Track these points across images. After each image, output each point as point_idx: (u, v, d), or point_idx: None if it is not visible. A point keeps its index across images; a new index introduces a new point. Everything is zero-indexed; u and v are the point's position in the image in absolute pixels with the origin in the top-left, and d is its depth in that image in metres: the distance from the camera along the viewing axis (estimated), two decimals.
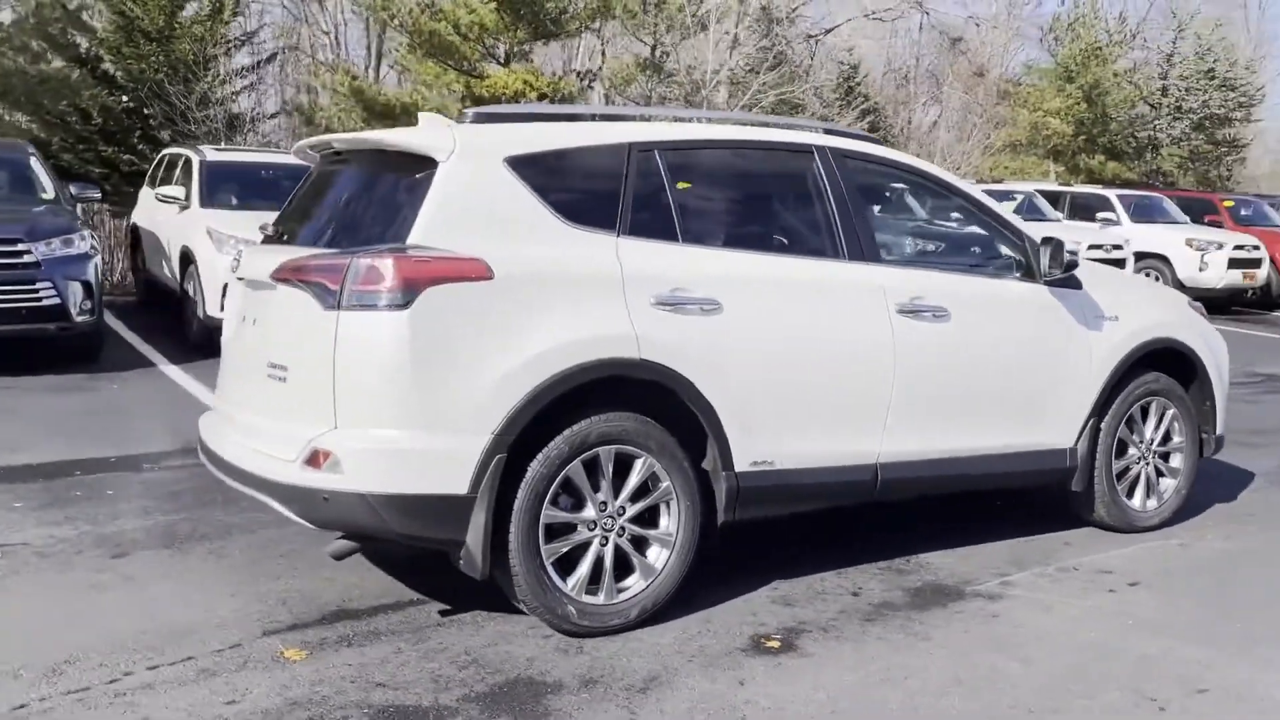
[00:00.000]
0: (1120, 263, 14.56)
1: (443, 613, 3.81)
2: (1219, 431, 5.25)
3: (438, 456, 3.33)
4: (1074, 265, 4.60)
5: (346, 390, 3.32)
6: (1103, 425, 4.78)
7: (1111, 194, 17.31)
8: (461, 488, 3.34)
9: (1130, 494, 5.01)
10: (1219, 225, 16.86)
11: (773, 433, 3.84)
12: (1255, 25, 35.91)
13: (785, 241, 4.15)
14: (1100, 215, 16.37)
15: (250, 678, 3.26)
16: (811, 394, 3.95)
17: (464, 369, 3.34)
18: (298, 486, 3.39)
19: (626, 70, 21.78)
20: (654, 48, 24.19)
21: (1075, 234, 13.71)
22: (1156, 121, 28.61)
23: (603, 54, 21.57)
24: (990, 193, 13.22)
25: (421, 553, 3.99)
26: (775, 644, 3.62)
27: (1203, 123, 28.86)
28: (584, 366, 3.46)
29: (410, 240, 3.37)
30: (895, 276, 4.21)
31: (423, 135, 3.63)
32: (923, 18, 33.91)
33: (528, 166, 3.58)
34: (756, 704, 3.18)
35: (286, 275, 3.55)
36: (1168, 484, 5.11)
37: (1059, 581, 4.37)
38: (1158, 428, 5.03)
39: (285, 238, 3.97)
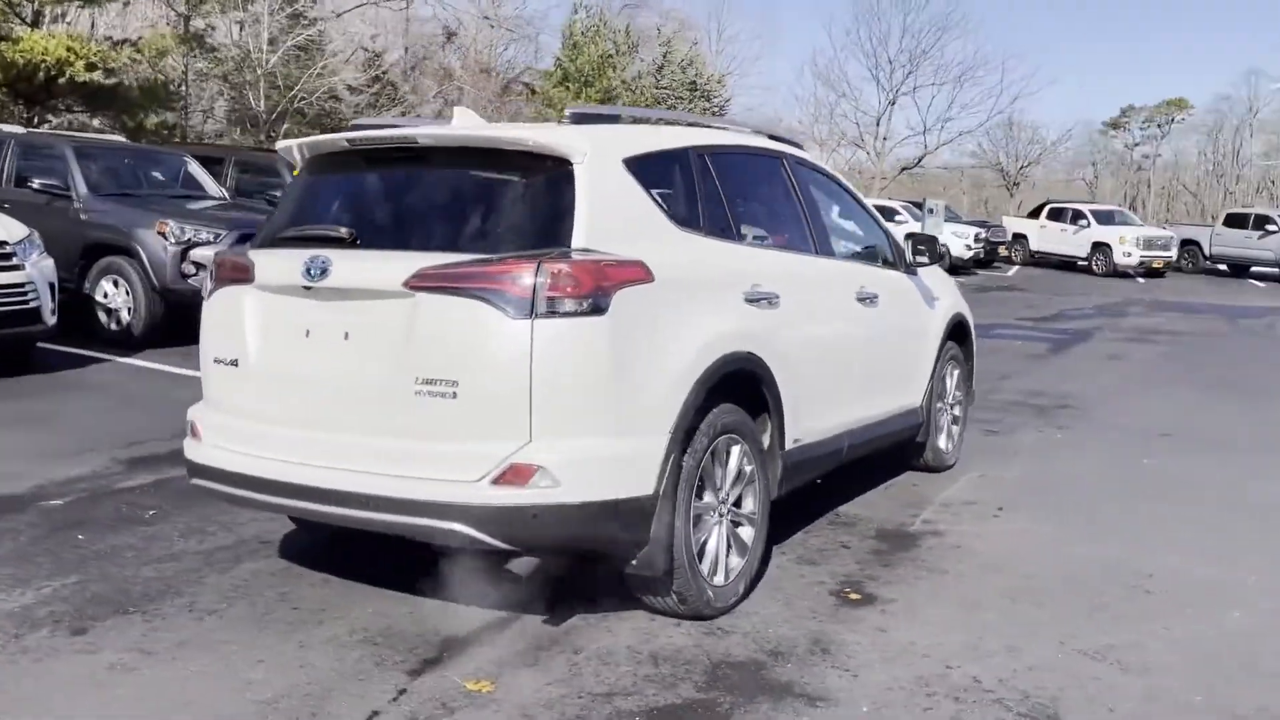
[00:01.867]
0: None
1: (548, 621, 3.76)
2: (972, 386, 6.58)
3: (634, 459, 3.37)
4: (942, 256, 5.56)
5: (545, 400, 3.21)
6: (934, 384, 5.81)
7: None
8: (650, 488, 3.40)
9: (947, 439, 6.13)
10: None
11: (805, 413, 4.30)
12: (719, 49, 41.50)
13: (787, 238, 4.59)
14: None
15: (472, 717, 3.07)
16: (825, 375, 4.47)
17: (644, 371, 3.40)
18: (491, 506, 3.21)
19: (163, 41, 20.06)
20: (187, 19, 22.37)
21: None
22: None
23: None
24: None
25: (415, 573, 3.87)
26: (855, 596, 4.09)
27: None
28: (722, 361, 3.67)
29: (575, 244, 3.33)
30: (846, 269, 4.87)
31: (556, 135, 3.53)
32: (431, 8, 34.65)
33: (639, 168, 3.67)
34: (915, 642, 3.65)
35: (439, 283, 3.29)
36: (957, 429, 6.31)
37: (959, 514, 5.30)
38: (955, 385, 6.19)
39: (356, 241, 3.59)
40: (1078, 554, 4.71)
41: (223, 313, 3.78)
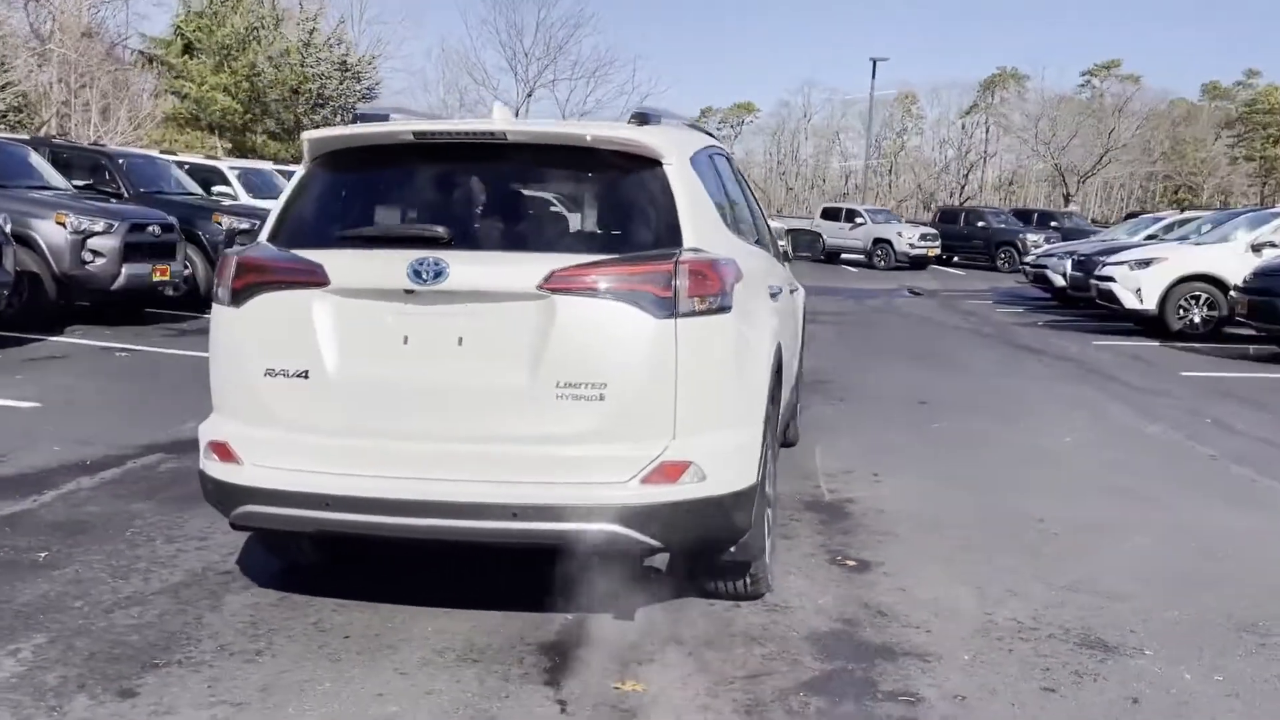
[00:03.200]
0: None
1: (619, 617, 3.80)
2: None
3: (750, 448, 3.51)
4: (823, 251, 6.07)
5: (687, 397, 3.26)
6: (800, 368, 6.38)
7: (224, 166, 16.96)
8: (756, 475, 3.56)
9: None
10: None
11: (787, 392, 4.63)
12: (362, 29, 39.53)
13: (756, 234, 4.86)
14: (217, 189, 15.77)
15: (661, 715, 3.11)
16: (791, 363, 4.82)
17: (750, 365, 3.56)
18: (645, 505, 3.22)
19: None
20: None
21: None
22: (300, 107, 30.56)
23: None
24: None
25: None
26: (851, 563, 4.49)
27: (339, 110, 31.79)
28: (777, 352, 3.89)
29: (687, 244, 3.40)
30: (778, 263, 5.27)
31: (649, 135, 3.51)
32: None
33: (698, 168, 3.79)
34: (938, 598, 4.11)
35: (578, 285, 3.21)
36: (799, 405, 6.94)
37: (849, 483, 5.86)
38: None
39: (449, 241, 3.37)
40: (972, 506, 5.42)
41: (276, 320, 3.41)
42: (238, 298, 3.46)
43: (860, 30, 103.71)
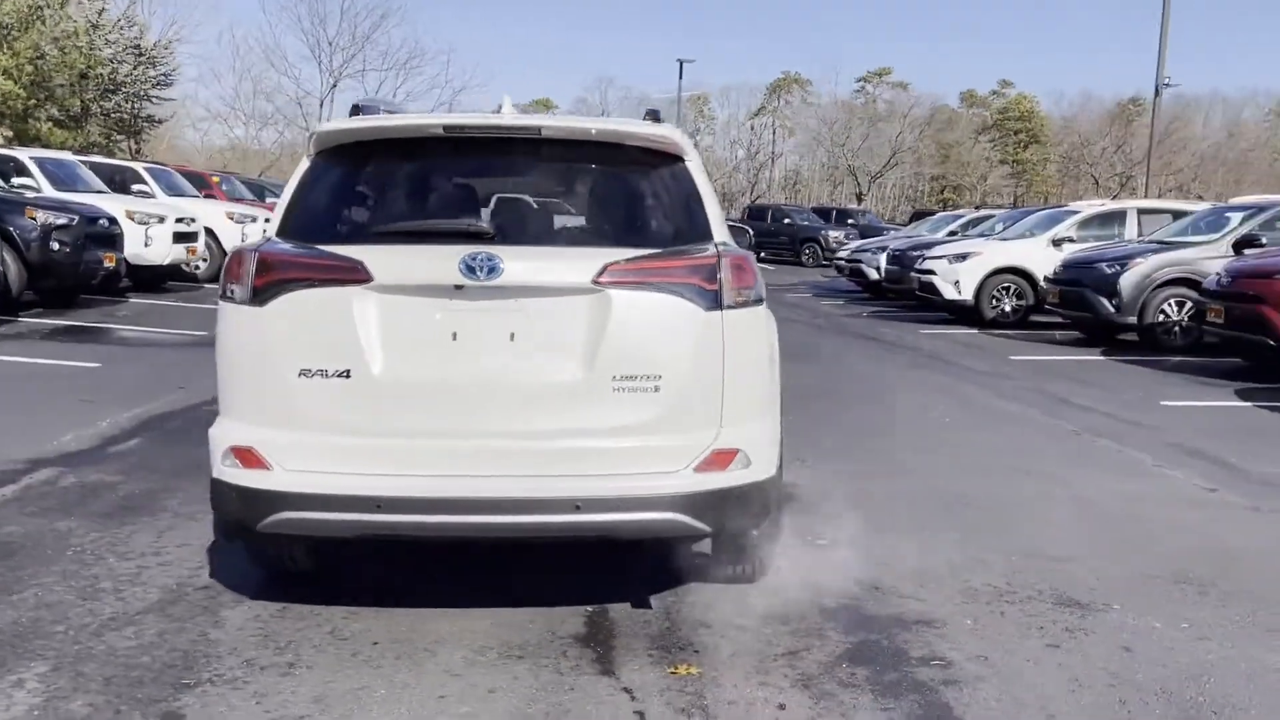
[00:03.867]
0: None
1: (638, 605, 3.88)
2: None
3: (776, 435, 3.65)
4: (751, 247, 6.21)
5: (732, 387, 3.38)
6: None
7: (25, 156, 15.24)
8: (779, 463, 3.71)
9: None
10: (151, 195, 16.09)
11: None
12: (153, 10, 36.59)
13: None
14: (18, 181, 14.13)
15: (731, 695, 3.21)
16: None
17: (774, 355, 3.70)
18: (700, 492, 3.31)
19: None
20: None
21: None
22: (88, 93, 28.33)
23: None
24: None
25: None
26: (824, 542, 4.71)
27: (132, 97, 29.71)
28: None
29: (717, 239, 3.52)
30: None
31: (671, 131, 3.59)
32: None
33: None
34: (924, 569, 4.38)
35: (631, 279, 3.26)
36: None
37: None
38: None
39: (493, 236, 3.34)
40: (899, 487, 5.77)
41: (311, 319, 3.28)
42: (261, 296, 3.32)
43: (656, 30, 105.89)
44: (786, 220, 33.01)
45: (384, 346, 3.27)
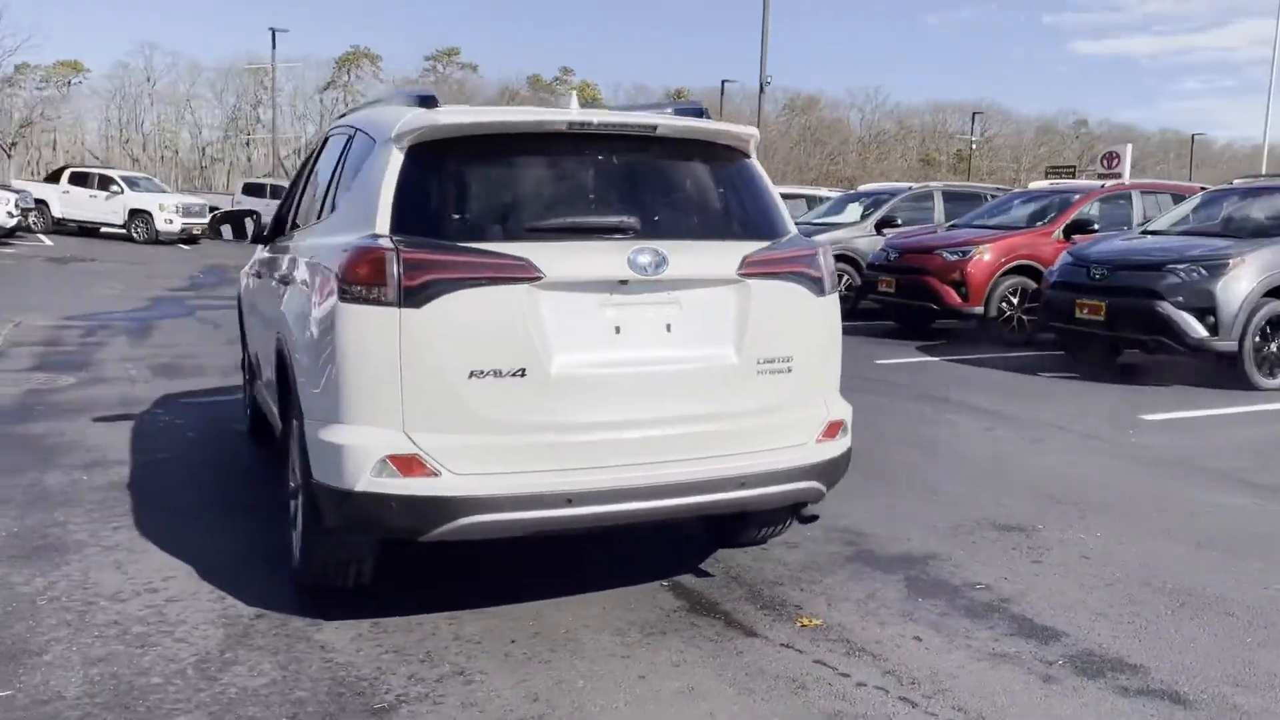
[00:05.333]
0: None
1: (703, 574, 4.18)
2: None
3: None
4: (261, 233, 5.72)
5: (833, 364, 3.79)
6: None
7: None
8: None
9: None
10: None
11: None
12: None
13: None
14: None
15: (874, 634, 3.64)
16: None
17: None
18: (825, 461, 3.68)
19: None
20: None
21: None
22: None
23: None
24: None
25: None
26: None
27: None
28: None
29: (791, 231, 3.89)
30: None
31: (740, 128, 3.84)
32: None
33: None
34: (910, 538, 5.05)
35: (766, 269, 3.53)
36: None
37: None
38: None
39: (630, 232, 3.43)
40: None
41: (479, 319, 3.21)
42: (415, 297, 3.19)
43: None
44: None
45: (556, 343, 3.29)
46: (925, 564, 4.36)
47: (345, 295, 3.26)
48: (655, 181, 3.65)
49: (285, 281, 4.08)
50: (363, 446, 3.22)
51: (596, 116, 3.56)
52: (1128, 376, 9.46)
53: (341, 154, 4.16)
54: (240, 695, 3.10)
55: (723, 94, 52.76)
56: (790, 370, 3.62)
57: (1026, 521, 4.98)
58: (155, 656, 3.34)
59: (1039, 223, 12.14)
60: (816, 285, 3.71)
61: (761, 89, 27.56)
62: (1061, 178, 29.15)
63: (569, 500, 3.25)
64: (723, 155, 3.80)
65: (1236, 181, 11.01)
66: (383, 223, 3.35)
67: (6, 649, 3.36)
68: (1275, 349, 8.85)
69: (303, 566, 3.73)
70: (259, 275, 5.13)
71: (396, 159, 3.43)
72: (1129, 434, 7.06)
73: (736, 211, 3.75)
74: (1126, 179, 32.51)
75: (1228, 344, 8.67)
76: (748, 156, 3.88)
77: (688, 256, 3.45)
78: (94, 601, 3.77)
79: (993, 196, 14.12)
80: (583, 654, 3.43)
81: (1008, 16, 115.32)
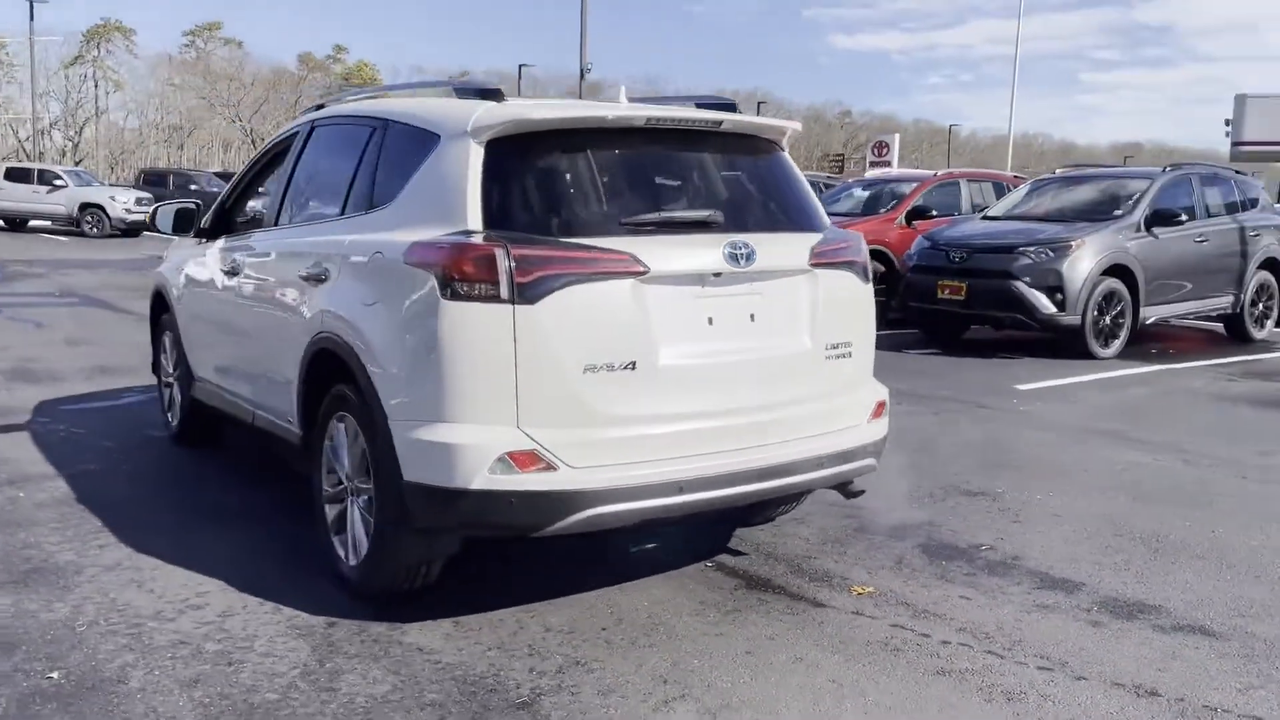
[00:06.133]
0: None
1: (738, 553, 4.37)
2: None
3: None
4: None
5: (873, 347, 4.05)
6: None
7: None
8: None
9: None
10: None
11: None
12: None
13: None
14: None
15: (929, 596, 3.93)
16: None
17: None
18: (876, 440, 3.93)
19: None
20: None
21: None
22: None
23: None
24: None
25: None
26: None
27: None
28: None
29: (828, 223, 4.11)
30: None
31: (785, 122, 3.99)
32: None
33: None
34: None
35: (829, 260, 3.72)
36: None
37: None
38: None
39: (715, 226, 3.54)
40: None
41: (592, 314, 3.24)
42: (527, 293, 3.19)
43: None
44: (193, 186, 30.66)
45: (660, 335, 3.37)
46: (926, 530, 4.70)
47: (450, 293, 3.22)
48: (724, 176, 3.77)
49: (317, 279, 3.93)
50: (479, 444, 3.20)
51: (668, 112, 3.64)
52: (981, 351, 10.27)
53: (366, 146, 4.04)
54: (372, 703, 3.03)
55: (520, 79, 52.46)
56: (850, 355, 3.85)
57: (984, 487, 5.42)
58: (252, 672, 3.20)
59: (881, 210, 12.90)
60: (864, 274, 3.95)
61: (582, 76, 27.57)
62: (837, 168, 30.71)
63: (680, 488, 3.34)
64: (766, 149, 3.96)
65: (1059, 171, 12.12)
66: (474, 218, 3.32)
67: (78, 680, 3.13)
68: (1108, 321, 9.85)
69: (370, 570, 3.65)
70: (231, 273, 4.86)
71: (477, 153, 3.41)
72: (1014, 403, 7.72)
73: (791, 203, 3.91)
74: (895, 167, 34.85)
75: (1072, 318, 9.58)
76: (783, 150, 4.06)
77: (770, 248, 3.60)
78: (140, 624, 3.55)
79: (1011, 185, 13.86)
80: (678, 635, 3.54)
81: (771, 9, 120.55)
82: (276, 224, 4.63)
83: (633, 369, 3.31)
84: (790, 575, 4.11)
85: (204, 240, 5.39)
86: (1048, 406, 7.61)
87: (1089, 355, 9.68)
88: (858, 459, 3.84)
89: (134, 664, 3.24)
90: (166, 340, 6.11)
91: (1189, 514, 5.01)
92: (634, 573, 4.09)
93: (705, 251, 3.47)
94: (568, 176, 3.49)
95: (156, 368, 6.37)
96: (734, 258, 3.48)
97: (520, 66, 52.01)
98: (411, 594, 3.72)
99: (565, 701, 3.07)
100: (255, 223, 5.04)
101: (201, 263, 5.32)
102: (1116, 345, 9.88)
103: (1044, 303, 9.52)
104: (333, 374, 3.83)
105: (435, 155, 3.55)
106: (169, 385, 6.16)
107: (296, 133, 4.79)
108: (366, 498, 3.70)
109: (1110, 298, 9.79)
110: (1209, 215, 10.94)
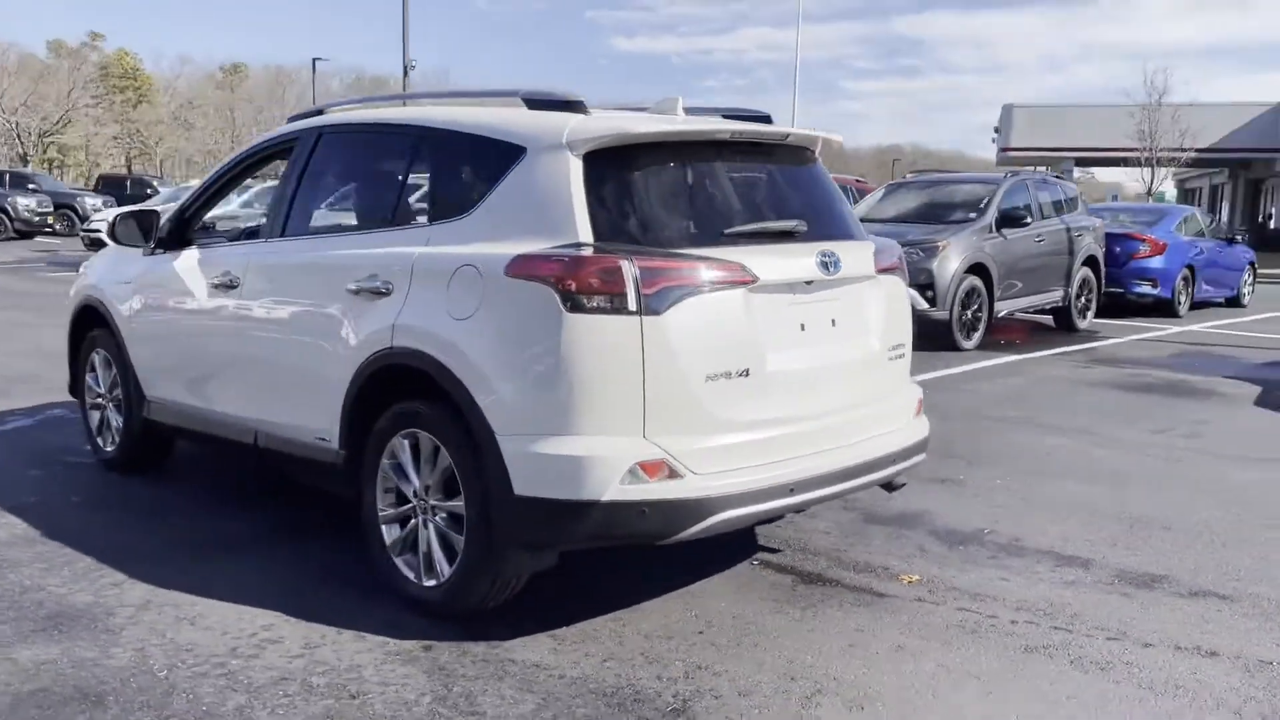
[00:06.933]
0: None
1: (775, 550, 4.51)
2: None
3: None
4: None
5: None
6: None
7: None
8: None
9: None
10: None
11: None
12: None
13: None
14: None
15: (973, 578, 4.19)
16: None
17: None
18: (925, 436, 4.15)
19: None
20: None
21: None
22: None
23: None
24: None
25: None
26: None
27: None
28: None
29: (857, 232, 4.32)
30: None
31: (828, 133, 4.14)
32: None
33: None
34: None
35: (889, 268, 3.93)
36: None
37: None
38: None
39: (795, 236, 3.66)
40: None
41: (711, 323, 3.30)
42: (654, 304, 3.22)
43: None
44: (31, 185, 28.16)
45: (767, 342, 3.47)
46: (927, 518, 4.99)
47: (572, 305, 3.20)
48: (791, 187, 3.90)
49: (375, 293, 3.77)
50: (609, 456, 3.20)
51: (751, 126, 3.77)
52: None
53: (413, 156, 3.95)
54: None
55: (315, 74, 50.45)
56: (902, 356, 4.08)
57: (947, 475, 5.78)
58: (382, 704, 3.09)
59: None
60: (906, 279, 4.17)
61: (406, 72, 26.81)
62: None
63: (791, 489, 3.46)
64: (811, 160, 4.12)
65: (909, 175, 12.89)
66: (584, 231, 3.32)
67: None
68: (969, 315, 10.60)
69: (458, 589, 3.56)
70: (226, 286, 4.56)
71: (576, 165, 3.40)
72: None
73: (845, 212, 4.10)
74: None
75: (942, 313, 10.26)
76: (817, 160, 4.23)
77: (848, 256, 3.77)
78: (223, 663, 3.34)
79: (855, 189, 14.54)
80: (772, 632, 3.64)
81: (555, 9, 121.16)
82: (284, 234, 4.40)
83: (746, 375, 3.40)
84: (836, 568, 4.28)
85: (162, 251, 5.04)
86: (941, 397, 8.11)
87: (955, 347, 10.38)
88: (916, 454, 4.06)
89: (250, 705, 3.05)
90: (96, 359, 5.66)
91: (1133, 490, 5.53)
92: (683, 575, 4.16)
93: (801, 260, 3.60)
94: (667, 188, 3.54)
95: (78, 389, 5.88)
96: (824, 266, 3.63)
97: (314, 60, 49.96)
98: (491, 611, 3.66)
99: (714, 705, 3.12)
100: (250, 232, 4.76)
101: (167, 275, 4.96)
102: (976, 337, 10.65)
103: (918, 299, 10.15)
104: (395, 390, 3.72)
105: (523, 167, 3.51)
106: (98, 408, 5.71)
107: (294, 140, 4.55)
108: (445, 515, 3.61)
109: (971, 293, 10.54)
110: (1043, 217, 11.94)
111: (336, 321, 3.94)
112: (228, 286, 4.52)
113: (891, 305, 4.02)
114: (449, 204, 3.73)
